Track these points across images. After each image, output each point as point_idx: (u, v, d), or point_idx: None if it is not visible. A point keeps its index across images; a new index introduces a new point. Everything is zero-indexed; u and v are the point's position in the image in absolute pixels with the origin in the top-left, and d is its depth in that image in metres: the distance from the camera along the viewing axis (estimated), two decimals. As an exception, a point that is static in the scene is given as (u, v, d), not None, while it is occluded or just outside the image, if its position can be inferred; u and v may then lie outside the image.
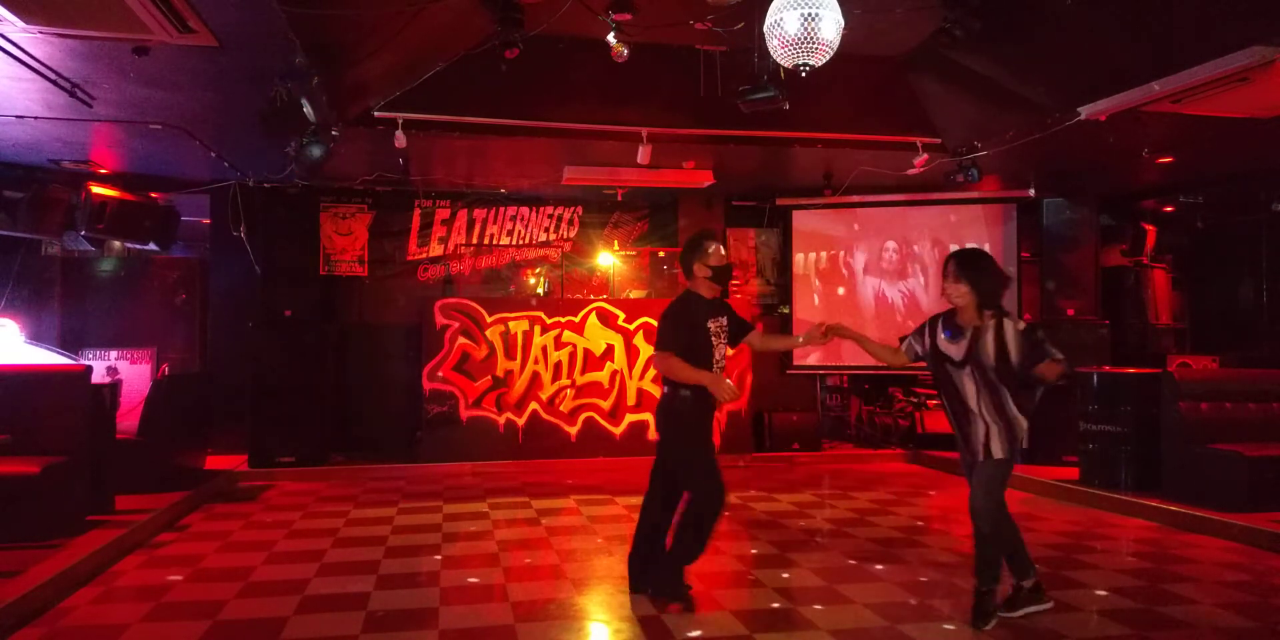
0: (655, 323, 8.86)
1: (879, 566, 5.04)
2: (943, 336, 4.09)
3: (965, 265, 4.01)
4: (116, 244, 9.27)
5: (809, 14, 4.18)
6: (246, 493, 7.39)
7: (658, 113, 6.91)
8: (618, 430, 8.82)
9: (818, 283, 9.77)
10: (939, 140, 7.34)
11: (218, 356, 8.96)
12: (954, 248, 9.47)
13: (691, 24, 5.80)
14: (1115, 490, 6.84)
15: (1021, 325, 4.00)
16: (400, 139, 6.49)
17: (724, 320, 4.39)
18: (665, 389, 4.38)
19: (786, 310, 9.78)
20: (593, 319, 8.86)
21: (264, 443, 8.14)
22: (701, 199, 9.84)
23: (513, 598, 4.44)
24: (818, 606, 4.29)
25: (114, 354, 8.62)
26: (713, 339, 4.29)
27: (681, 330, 4.26)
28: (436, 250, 9.68)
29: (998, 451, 3.93)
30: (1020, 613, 4.07)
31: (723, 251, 4.39)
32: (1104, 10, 5.11)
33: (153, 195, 8.52)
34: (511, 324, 8.68)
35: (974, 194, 9.05)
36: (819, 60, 4.32)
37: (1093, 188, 9.10)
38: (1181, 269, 10.45)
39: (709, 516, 4.21)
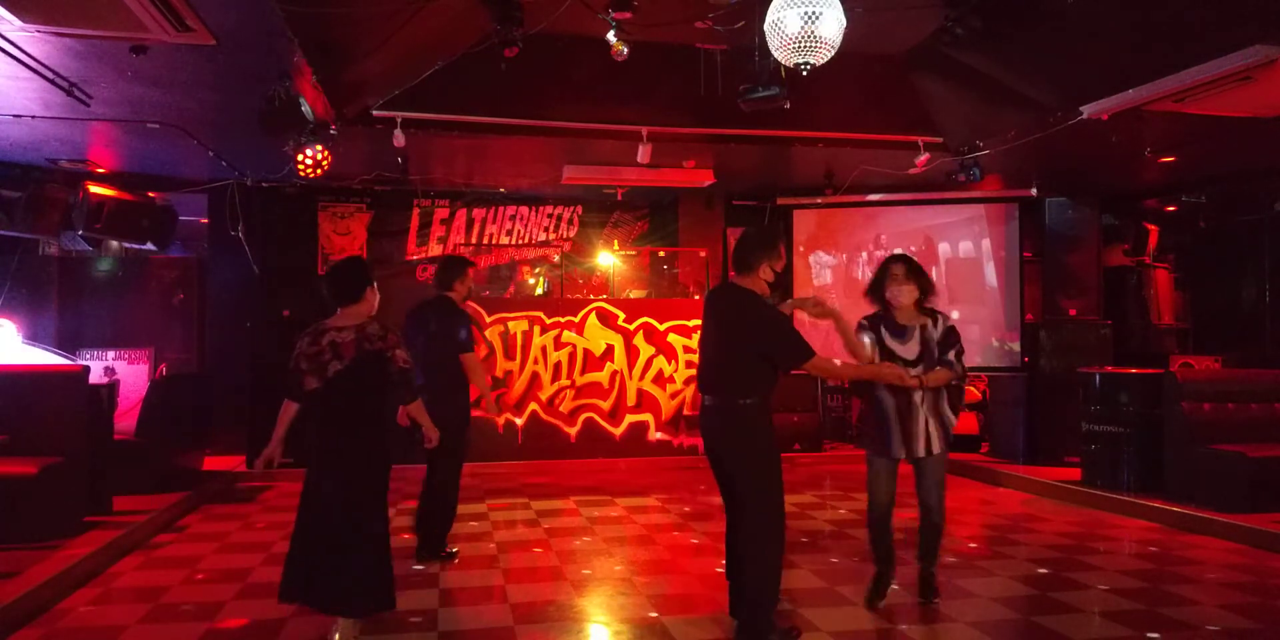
0: (655, 323, 8.94)
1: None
2: (888, 337, 4.20)
3: (914, 268, 4.23)
4: (114, 244, 9.26)
5: (810, 12, 4.15)
6: (245, 494, 7.36)
7: (658, 112, 6.89)
8: (617, 431, 8.80)
9: (818, 282, 9.75)
10: (941, 139, 7.32)
11: (216, 357, 8.94)
12: (951, 247, 9.56)
13: (692, 22, 5.78)
14: (1117, 491, 6.81)
15: (946, 325, 4.23)
16: (399, 138, 6.47)
17: None
18: (724, 400, 3.79)
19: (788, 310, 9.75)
20: (592, 319, 8.83)
21: (262, 443, 8.00)
22: (702, 198, 9.82)
23: (512, 599, 4.41)
24: (818, 607, 4.27)
25: (111, 354, 8.60)
26: None
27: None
28: (435, 250, 9.66)
29: (938, 447, 4.15)
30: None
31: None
32: (1106, 8, 5.08)
33: (150, 195, 8.50)
34: (511, 324, 8.66)
35: (976, 193, 9.02)
36: (820, 59, 4.29)
37: (1095, 187, 9.07)
38: (1184, 269, 10.43)
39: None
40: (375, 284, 3.98)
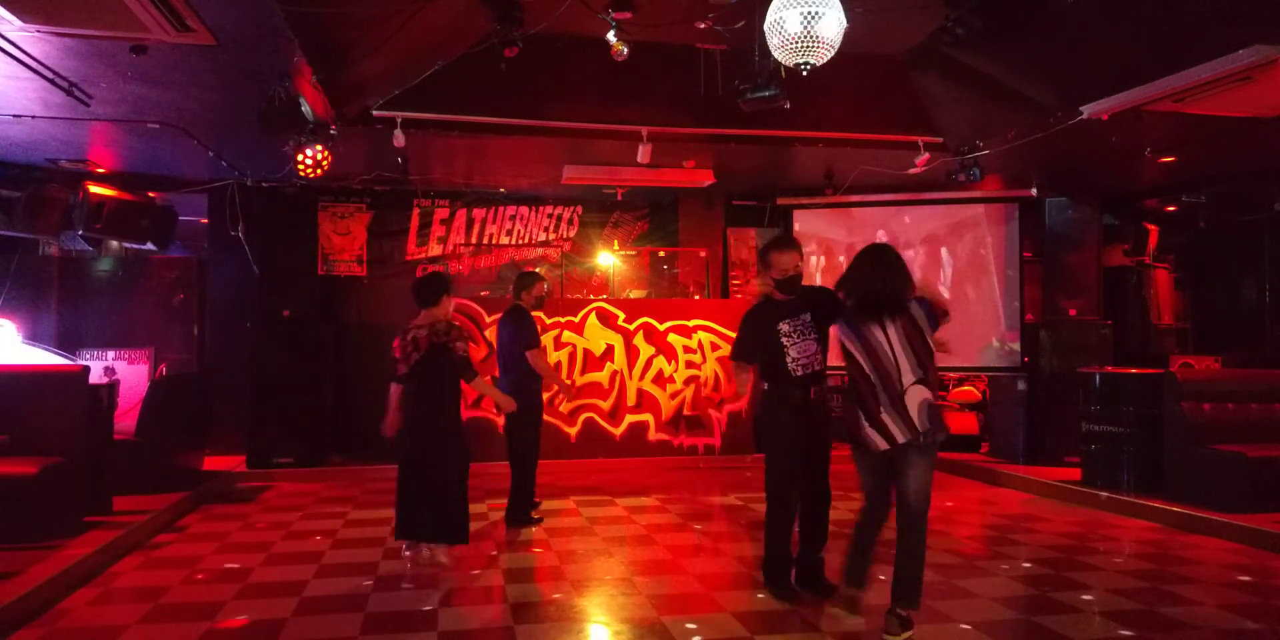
0: (655, 323, 8.95)
1: (880, 568, 5.00)
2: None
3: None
4: (114, 244, 9.26)
5: (810, 12, 4.15)
6: (245, 494, 7.36)
7: (658, 112, 6.89)
8: (617, 431, 8.79)
9: (819, 282, 9.74)
10: (941, 139, 7.32)
11: (216, 357, 8.94)
12: (951, 247, 9.57)
13: (692, 22, 5.78)
14: (1117, 491, 6.81)
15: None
16: (399, 138, 6.47)
17: (805, 317, 4.35)
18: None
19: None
20: (592, 319, 8.83)
21: (262, 443, 8.11)
22: (702, 198, 9.82)
23: (511, 599, 4.41)
24: (818, 608, 4.26)
25: (111, 354, 8.60)
26: (784, 340, 4.32)
27: (746, 336, 4.51)
28: (435, 250, 9.66)
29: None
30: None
31: (787, 261, 4.35)
32: (1106, 8, 5.09)
33: (150, 195, 8.50)
34: (511, 324, 8.64)
35: (976, 193, 9.02)
36: (820, 59, 4.29)
37: (1095, 187, 9.08)
38: (1184, 269, 10.44)
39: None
40: (451, 294, 5.08)
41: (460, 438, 5.07)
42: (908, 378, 3.86)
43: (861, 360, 3.91)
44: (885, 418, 3.87)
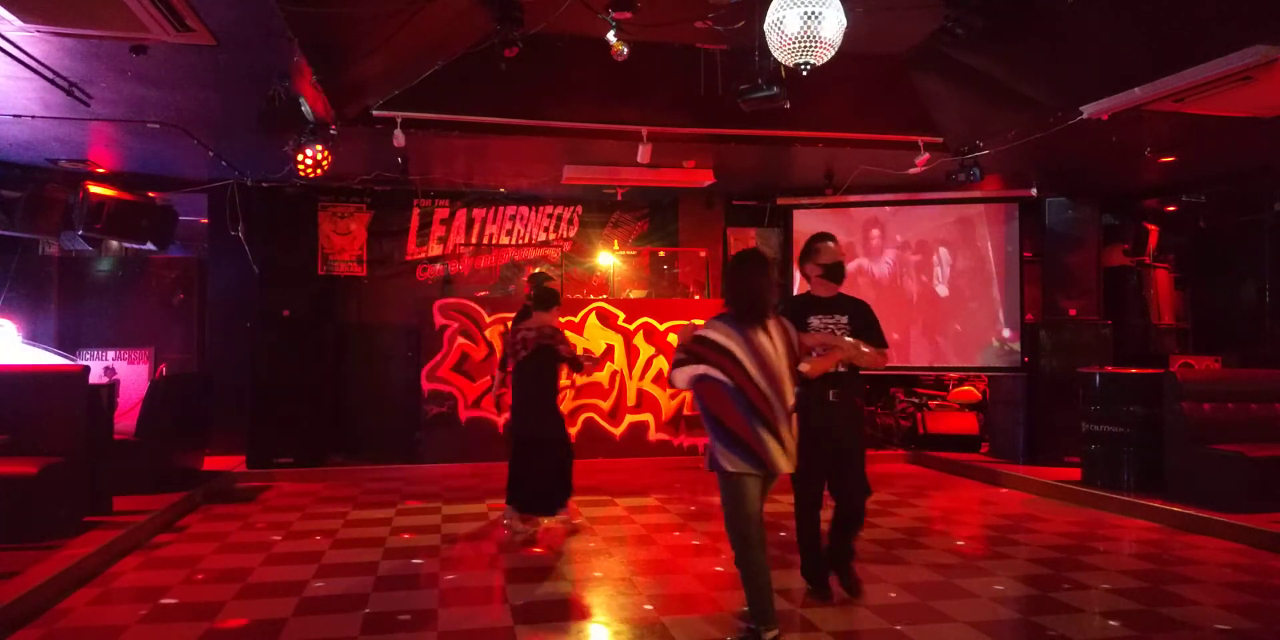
0: (655, 323, 8.94)
1: (880, 567, 5.02)
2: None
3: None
4: (114, 244, 9.27)
5: (810, 12, 4.15)
6: (245, 494, 7.37)
7: (658, 112, 6.89)
8: (617, 431, 8.79)
9: (818, 282, 9.73)
10: (941, 139, 7.32)
11: (216, 357, 8.94)
12: (951, 247, 9.57)
13: (692, 22, 5.78)
14: (1117, 491, 6.81)
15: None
16: (399, 138, 6.47)
17: (842, 318, 4.36)
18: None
19: (787, 310, 9.73)
20: (592, 319, 8.83)
21: (262, 443, 8.11)
22: (702, 198, 9.82)
23: (512, 599, 4.41)
24: (818, 607, 4.27)
25: (111, 354, 8.60)
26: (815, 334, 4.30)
27: None
28: (435, 250, 9.66)
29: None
30: None
31: (833, 247, 4.39)
32: (1106, 8, 5.09)
33: (150, 195, 8.50)
34: (510, 324, 8.64)
35: (976, 193, 9.02)
36: (820, 59, 4.29)
37: (1095, 187, 9.08)
38: (1184, 269, 10.43)
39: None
40: (560, 306, 5.85)
41: (564, 421, 5.92)
42: (789, 399, 3.70)
43: (749, 365, 3.63)
44: (785, 435, 3.64)
